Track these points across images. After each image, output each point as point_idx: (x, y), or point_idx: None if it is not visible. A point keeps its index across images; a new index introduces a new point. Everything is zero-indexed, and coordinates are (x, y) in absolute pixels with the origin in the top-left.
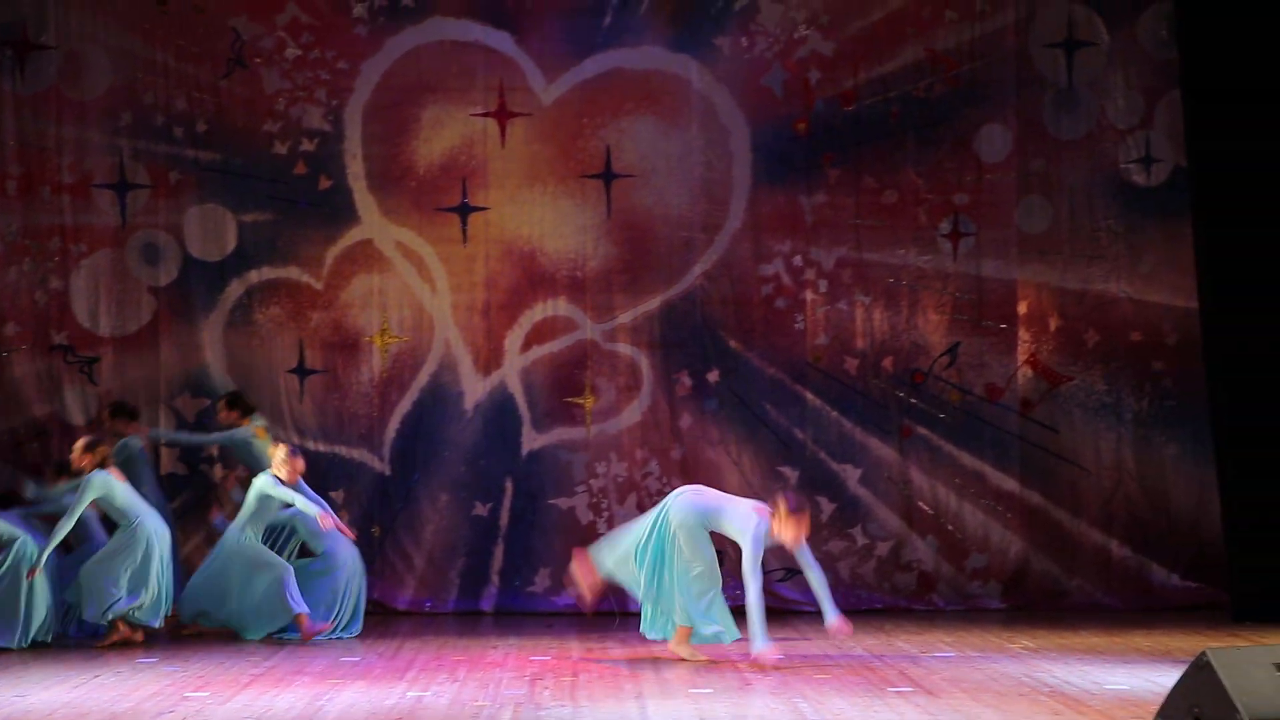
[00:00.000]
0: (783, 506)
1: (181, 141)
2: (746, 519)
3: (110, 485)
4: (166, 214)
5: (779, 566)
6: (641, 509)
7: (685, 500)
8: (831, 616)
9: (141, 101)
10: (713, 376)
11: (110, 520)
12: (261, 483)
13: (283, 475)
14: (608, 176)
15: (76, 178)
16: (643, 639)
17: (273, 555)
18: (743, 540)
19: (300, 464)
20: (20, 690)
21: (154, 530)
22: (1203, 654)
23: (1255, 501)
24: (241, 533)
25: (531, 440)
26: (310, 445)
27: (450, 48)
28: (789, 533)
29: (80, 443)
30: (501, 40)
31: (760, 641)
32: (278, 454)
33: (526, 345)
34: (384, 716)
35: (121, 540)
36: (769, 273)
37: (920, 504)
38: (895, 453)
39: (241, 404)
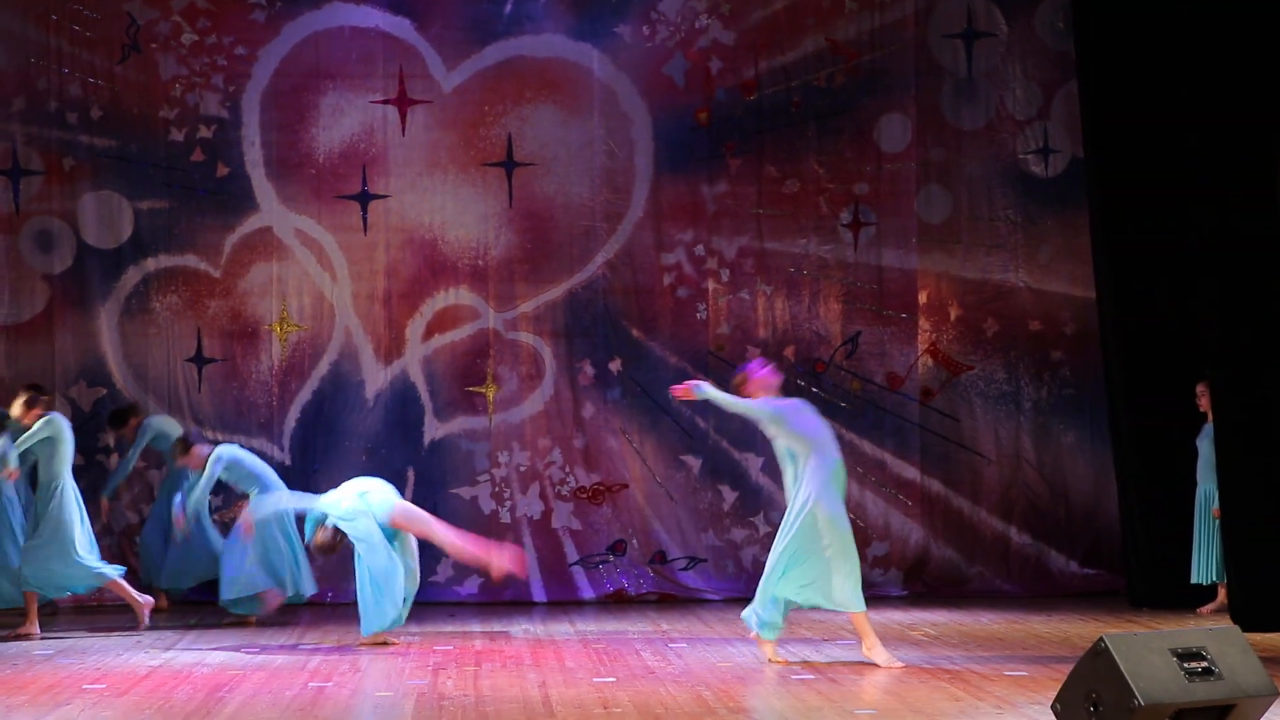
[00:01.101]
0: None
1: (76, 127)
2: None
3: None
4: (60, 201)
5: (682, 555)
6: (544, 499)
7: None
8: None
9: (35, 86)
10: (615, 366)
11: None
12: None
13: None
14: (509, 165)
15: None
16: (545, 625)
17: None
18: None
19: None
20: None
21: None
22: (1100, 640)
23: (1152, 490)
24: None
25: (433, 429)
26: (209, 434)
27: (350, 34)
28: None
29: (22, 399)
30: (401, 27)
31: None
32: None
33: (428, 334)
34: (285, 707)
35: (59, 506)
36: (671, 262)
37: None
38: None
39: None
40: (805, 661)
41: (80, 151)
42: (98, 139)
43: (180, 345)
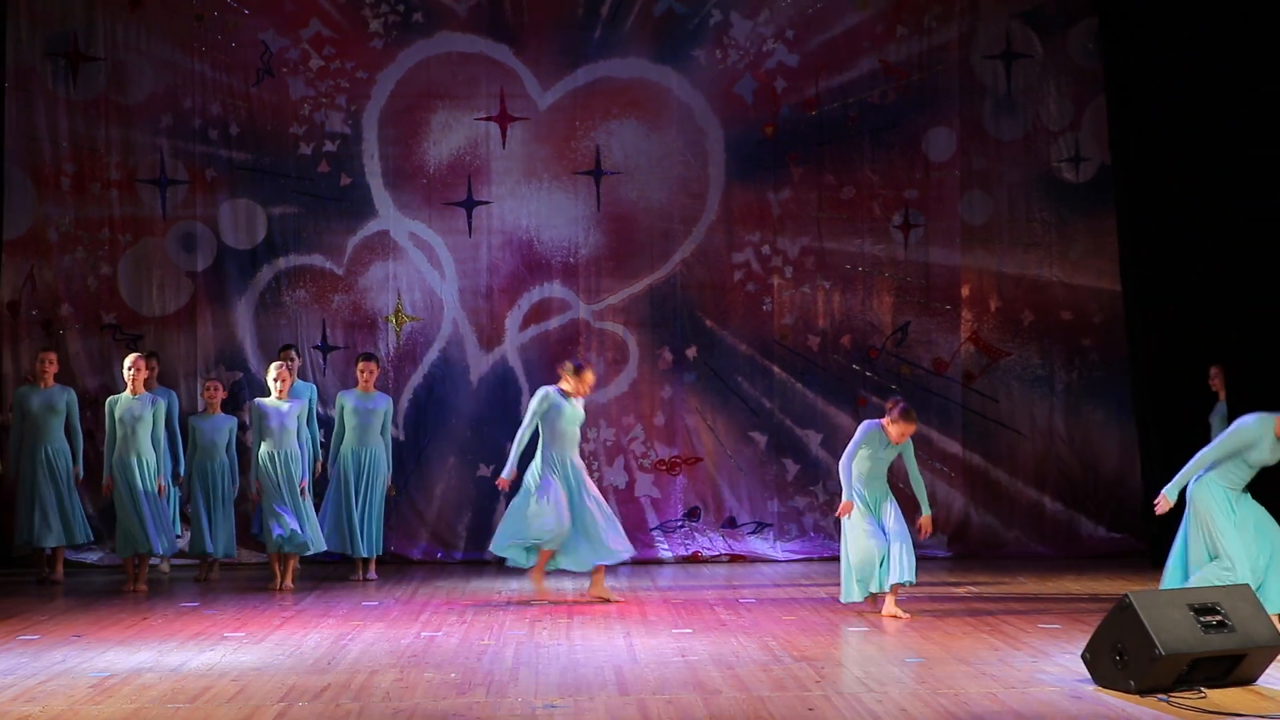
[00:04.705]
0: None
1: (216, 142)
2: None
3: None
4: (203, 207)
5: (750, 520)
6: (628, 470)
7: None
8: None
9: (181, 106)
10: (691, 352)
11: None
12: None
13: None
14: (597, 174)
15: (123, 174)
16: (630, 583)
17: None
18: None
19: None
20: (77, 630)
21: None
22: (1125, 596)
23: (1171, 461)
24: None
25: None
26: (331, 413)
27: (457, 59)
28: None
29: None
30: (502, 52)
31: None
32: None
33: (525, 324)
34: (400, 654)
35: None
36: (740, 260)
37: None
38: (852, 420)
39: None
40: (859, 614)
41: (220, 164)
42: (235, 152)
43: (308, 334)
